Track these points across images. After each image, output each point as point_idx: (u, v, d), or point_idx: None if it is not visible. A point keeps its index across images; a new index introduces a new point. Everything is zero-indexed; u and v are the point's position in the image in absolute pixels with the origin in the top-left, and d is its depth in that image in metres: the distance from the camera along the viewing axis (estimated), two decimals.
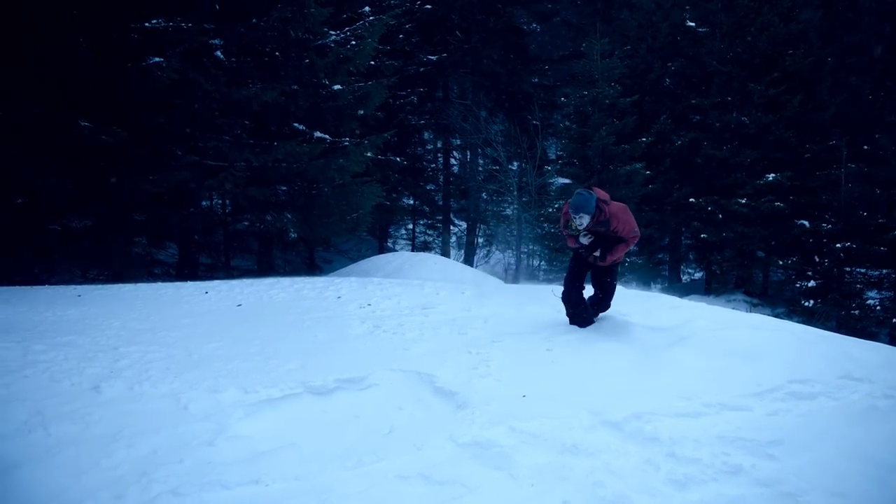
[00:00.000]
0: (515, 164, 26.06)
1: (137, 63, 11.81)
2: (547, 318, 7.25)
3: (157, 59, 11.78)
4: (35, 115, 10.65)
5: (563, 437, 3.98)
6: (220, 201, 18.59)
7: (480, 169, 28.10)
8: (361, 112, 16.12)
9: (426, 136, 28.94)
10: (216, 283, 10.50)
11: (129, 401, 4.88)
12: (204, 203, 15.96)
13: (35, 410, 4.57)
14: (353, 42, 14.69)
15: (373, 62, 17.34)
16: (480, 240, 28.82)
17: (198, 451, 4.00)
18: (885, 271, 19.99)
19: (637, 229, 6.34)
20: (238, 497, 3.51)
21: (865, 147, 21.58)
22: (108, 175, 11.28)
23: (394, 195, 23.81)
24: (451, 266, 15.73)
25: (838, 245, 19.21)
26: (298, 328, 7.26)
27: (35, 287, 10.24)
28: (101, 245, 12.26)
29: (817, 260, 19.98)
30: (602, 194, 6.24)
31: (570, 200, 6.19)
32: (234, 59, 13.64)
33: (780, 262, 20.74)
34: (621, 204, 6.36)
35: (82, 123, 11.05)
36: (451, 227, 28.95)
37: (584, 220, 6.11)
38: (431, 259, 16.26)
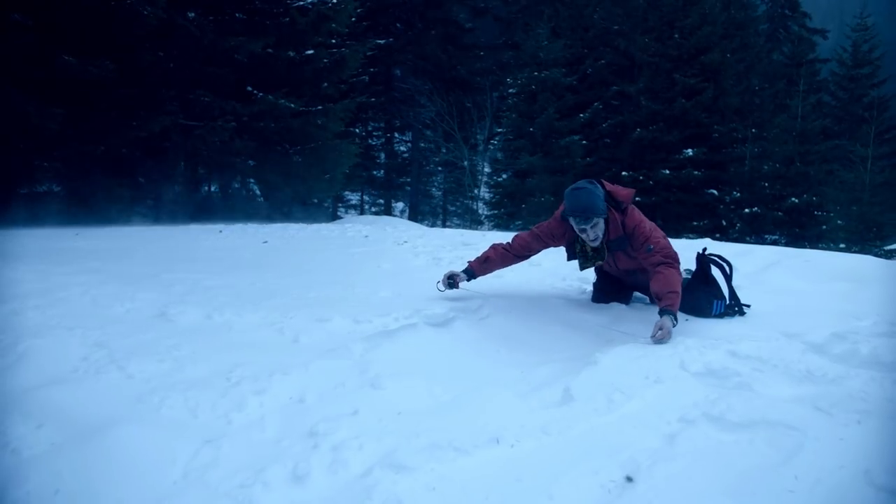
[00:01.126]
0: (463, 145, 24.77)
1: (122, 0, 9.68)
2: None
3: None
4: (26, 47, 8.42)
5: (787, 358, 2.73)
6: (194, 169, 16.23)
7: (423, 145, 26.56)
8: (338, 77, 14.35)
9: (370, 114, 27.17)
10: (221, 225, 8.72)
11: (215, 331, 3.19)
12: (180, 165, 13.71)
13: (95, 342, 2.83)
14: (334, 1, 12.88)
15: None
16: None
17: (366, 397, 2.31)
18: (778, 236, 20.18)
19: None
20: (475, 464, 1.89)
21: (754, 131, 22.17)
22: (98, 112, 9.12)
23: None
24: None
25: (746, 210, 19.28)
26: (353, 260, 5.76)
27: (21, 229, 8.08)
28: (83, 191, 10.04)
29: (724, 224, 20.06)
30: (618, 190, 3.41)
31: (563, 206, 3.41)
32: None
33: (694, 224, 20.51)
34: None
35: (66, 58, 8.87)
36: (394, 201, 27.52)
37: (598, 230, 3.36)
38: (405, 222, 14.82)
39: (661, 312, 3.01)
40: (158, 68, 10.43)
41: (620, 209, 3.37)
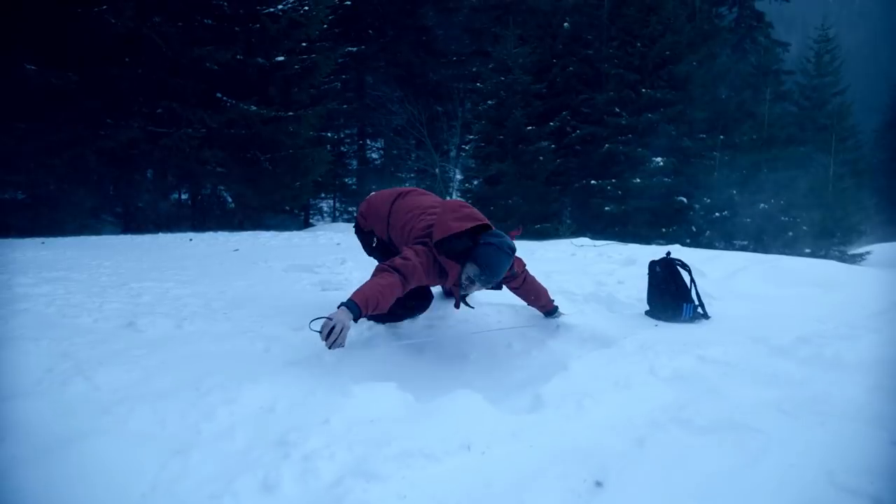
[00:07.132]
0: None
1: (89, 8, 9.50)
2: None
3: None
4: None
5: (754, 362, 2.81)
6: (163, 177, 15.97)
7: (395, 152, 26.52)
8: (309, 83, 14.30)
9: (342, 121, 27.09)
10: (191, 234, 8.60)
11: (185, 341, 3.11)
12: (148, 173, 13.49)
13: (60, 353, 2.75)
14: (306, 8, 12.84)
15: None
16: None
17: (337, 405, 2.26)
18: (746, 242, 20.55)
19: None
20: (446, 472, 1.88)
21: (722, 137, 22.59)
22: (63, 122, 8.92)
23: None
24: None
25: (716, 215, 19.67)
26: (325, 268, 5.71)
27: None
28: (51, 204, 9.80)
29: (694, 230, 20.37)
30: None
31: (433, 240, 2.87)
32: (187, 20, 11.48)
33: (664, 230, 20.75)
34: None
35: (28, 67, 8.67)
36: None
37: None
38: None
39: (553, 312, 3.45)
40: (126, 78, 10.25)
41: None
